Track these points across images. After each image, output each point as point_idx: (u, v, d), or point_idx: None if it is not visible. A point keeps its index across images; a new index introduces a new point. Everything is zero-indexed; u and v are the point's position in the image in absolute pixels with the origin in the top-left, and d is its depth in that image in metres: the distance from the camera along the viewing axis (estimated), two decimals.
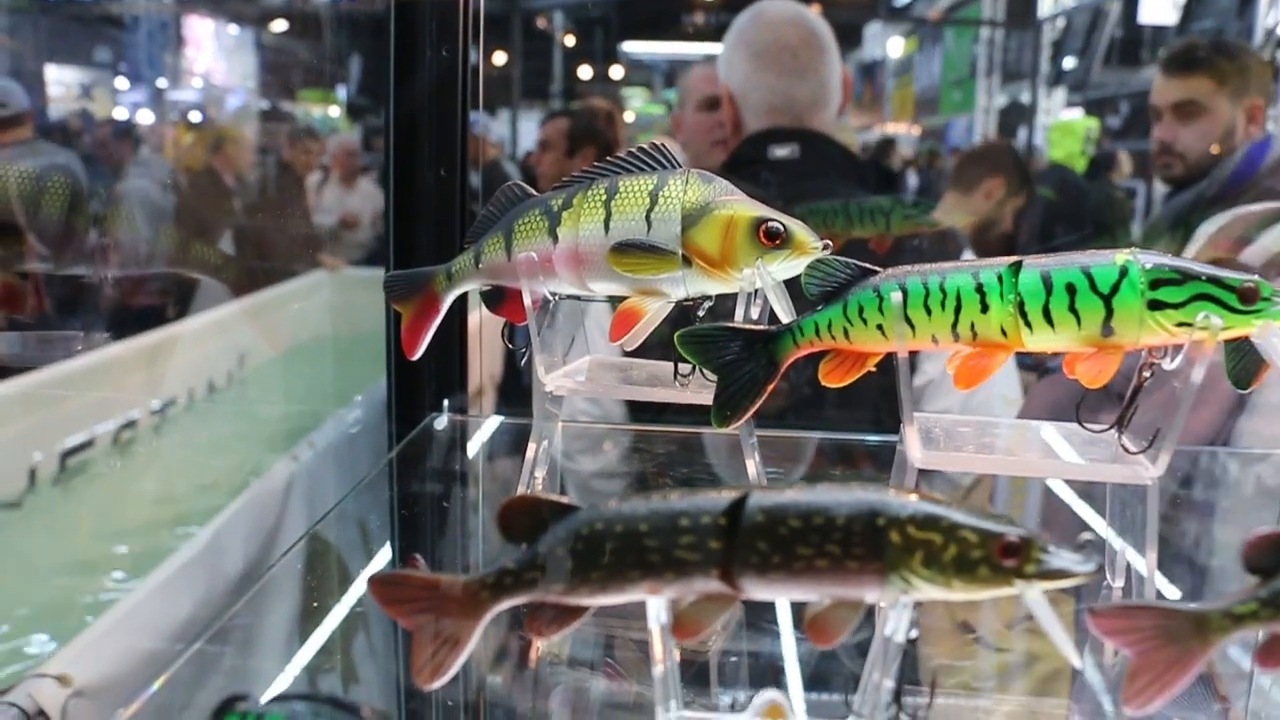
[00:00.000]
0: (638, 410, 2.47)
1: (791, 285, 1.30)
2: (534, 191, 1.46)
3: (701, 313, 1.38)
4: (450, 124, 2.12)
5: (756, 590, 0.89)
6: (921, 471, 1.24)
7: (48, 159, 1.91)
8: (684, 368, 1.45)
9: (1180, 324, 1.13)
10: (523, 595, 0.92)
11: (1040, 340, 1.16)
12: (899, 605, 0.91)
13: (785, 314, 1.27)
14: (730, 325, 1.25)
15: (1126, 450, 1.23)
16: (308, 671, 1.33)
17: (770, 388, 1.23)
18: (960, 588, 0.87)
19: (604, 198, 1.36)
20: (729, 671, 1.33)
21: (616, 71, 13.97)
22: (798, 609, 1.00)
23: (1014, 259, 1.17)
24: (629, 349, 1.40)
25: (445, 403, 2.18)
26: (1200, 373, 1.13)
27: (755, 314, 1.35)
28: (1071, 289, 1.14)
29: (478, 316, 2.21)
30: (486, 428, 2.20)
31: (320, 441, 3.25)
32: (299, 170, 6.18)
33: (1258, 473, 2.13)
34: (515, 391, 3.45)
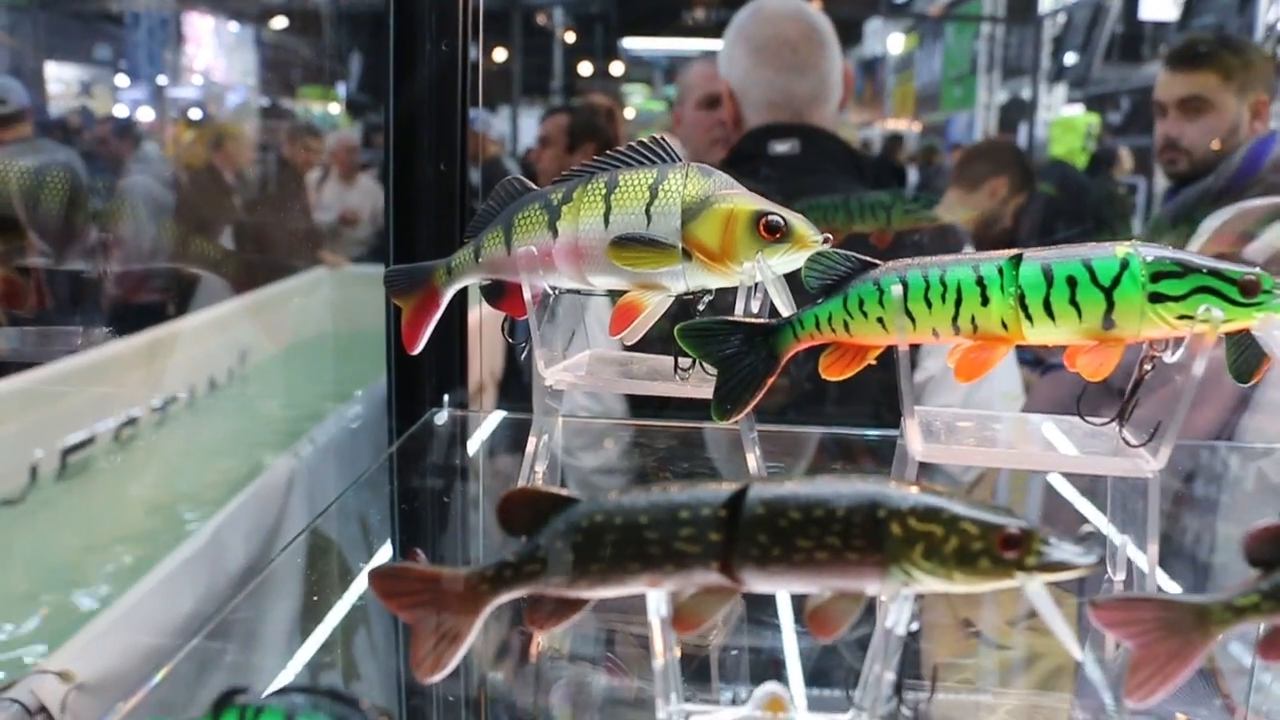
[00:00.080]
0: (639, 405, 2.47)
1: (792, 279, 1.30)
2: (533, 186, 1.46)
3: (701, 307, 1.38)
4: (450, 119, 2.12)
5: (757, 583, 0.89)
6: (923, 467, 1.24)
7: (48, 156, 1.90)
8: (684, 362, 1.44)
9: (1181, 317, 1.13)
10: (522, 588, 0.92)
11: (1041, 333, 1.16)
12: (900, 598, 0.91)
13: (785, 307, 1.27)
14: (730, 319, 1.25)
15: (1127, 443, 1.23)
16: (308, 666, 1.34)
17: (770, 381, 1.23)
18: (961, 580, 0.87)
19: (604, 192, 1.35)
20: (730, 666, 1.33)
21: (617, 68, 13.96)
22: (798, 602, 1.00)
23: (1014, 251, 1.16)
24: (629, 343, 1.40)
25: (445, 398, 2.17)
26: (1201, 365, 1.13)
27: (756, 308, 1.35)
28: (1072, 282, 1.13)
29: (478, 313, 2.21)
30: (488, 424, 2.20)
31: (321, 438, 3.26)
32: (299, 167, 6.18)
33: (1260, 468, 2.12)
34: (516, 388, 3.46)
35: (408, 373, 2.14)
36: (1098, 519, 1.36)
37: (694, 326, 1.24)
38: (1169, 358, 1.18)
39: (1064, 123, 9.41)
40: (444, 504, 1.90)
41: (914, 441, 1.22)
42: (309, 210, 6.15)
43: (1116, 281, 1.13)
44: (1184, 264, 1.13)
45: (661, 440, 2.09)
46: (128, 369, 3.09)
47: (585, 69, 13.91)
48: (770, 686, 0.91)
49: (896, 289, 1.17)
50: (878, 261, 1.21)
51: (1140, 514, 1.22)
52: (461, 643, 0.92)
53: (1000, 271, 1.15)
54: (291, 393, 4.30)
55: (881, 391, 1.59)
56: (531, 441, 1.48)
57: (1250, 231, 2.37)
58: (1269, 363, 1.21)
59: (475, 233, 1.48)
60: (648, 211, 1.33)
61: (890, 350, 1.21)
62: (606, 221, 1.34)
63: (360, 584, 1.53)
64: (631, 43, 14.22)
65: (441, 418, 2.16)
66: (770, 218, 1.28)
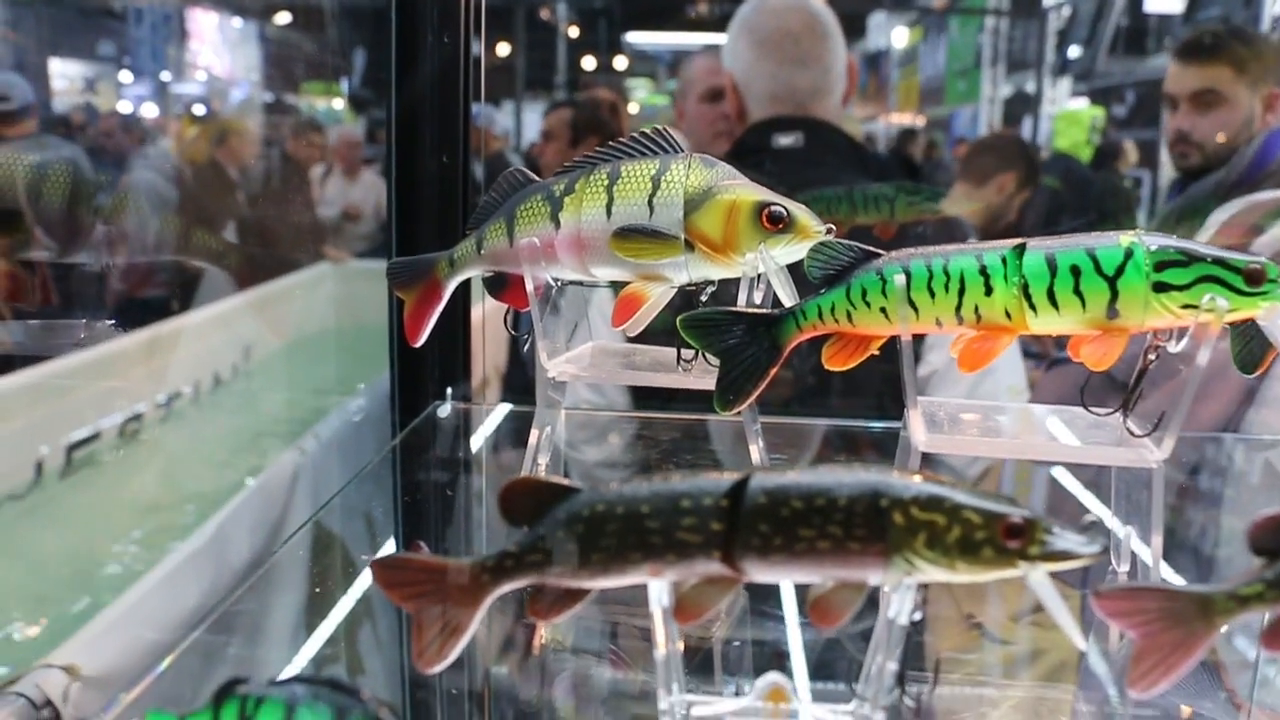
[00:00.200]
0: (642, 398, 2.47)
1: (795, 270, 1.29)
2: (536, 177, 1.46)
3: (704, 298, 1.37)
4: (452, 112, 2.12)
5: (758, 572, 0.88)
6: (927, 460, 1.24)
7: (53, 153, 1.90)
8: (687, 353, 1.44)
9: (1186, 306, 1.12)
10: (524, 578, 0.92)
11: (1044, 323, 1.15)
12: (902, 587, 0.90)
13: (788, 298, 1.27)
14: (733, 309, 1.25)
15: (1131, 434, 1.22)
16: (311, 658, 1.34)
17: (773, 372, 1.23)
18: (964, 569, 0.86)
19: (606, 183, 1.35)
20: (733, 658, 1.33)
21: (620, 62, 13.94)
22: (802, 594, 0.99)
23: (1018, 241, 1.16)
24: (631, 334, 1.40)
25: (449, 391, 2.17)
26: (1206, 355, 1.13)
27: (758, 299, 1.35)
28: (1076, 271, 1.13)
29: (482, 308, 2.21)
30: (493, 417, 2.19)
31: (325, 433, 3.26)
32: (302, 163, 6.18)
33: (1267, 459, 2.12)
34: (520, 383, 3.45)
35: (411, 366, 2.14)
36: (1102, 511, 1.36)
37: (696, 317, 1.24)
38: (1173, 347, 1.18)
39: (1068, 116, 9.37)
40: (447, 496, 1.90)
41: (917, 432, 1.22)
42: (312, 205, 6.16)
43: (1120, 271, 1.12)
44: (1188, 253, 1.12)
45: (665, 433, 2.09)
46: (133, 365, 3.09)
47: (589, 64, 13.89)
48: (771, 677, 0.90)
49: (899, 278, 1.17)
50: (880, 251, 1.21)
51: (1144, 505, 1.22)
52: (463, 633, 0.92)
53: (1004, 261, 1.15)
54: (296, 388, 4.30)
55: (885, 383, 1.58)
56: (534, 434, 1.47)
57: (1259, 224, 2.36)
58: (1274, 354, 1.20)
59: (478, 224, 1.48)
60: (650, 203, 1.32)
61: (894, 342, 1.21)
62: (609, 213, 1.34)
63: (363, 576, 1.53)
64: (635, 37, 14.20)
65: (445, 410, 2.16)
66: (773, 208, 1.28)
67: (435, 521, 1.82)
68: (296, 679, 0.81)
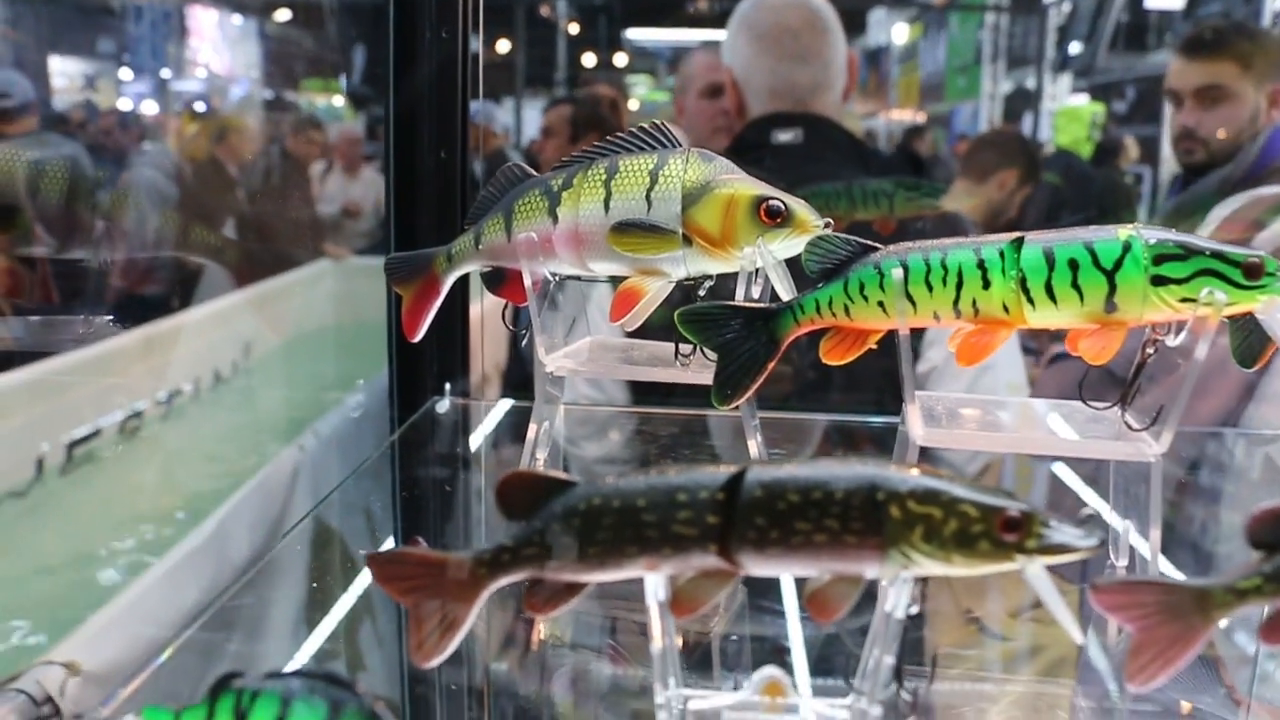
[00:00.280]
0: (642, 393, 2.47)
1: (794, 265, 1.29)
2: (534, 172, 1.46)
3: (702, 292, 1.37)
4: (450, 107, 2.12)
5: (755, 566, 0.88)
6: (926, 456, 1.24)
7: (53, 150, 1.90)
8: (685, 348, 1.44)
9: (1184, 300, 1.12)
10: (520, 572, 0.92)
11: (1043, 317, 1.15)
12: (899, 581, 0.90)
13: (786, 293, 1.27)
14: (730, 303, 1.25)
15: (1130, 427, 1.22)
16: (310, 653, 1.34)
17: (771, 366, 1.22)
18: (961, 563, 0.86)
19: (604, 177, 1.35)
20: (734, 654, 1.33)
21: (621, 59, 13.93)
22: (802, 589, 0.99)
23: (1016, 234, 1.16)
24: (629, 329, 1.40)
25: (447, 387, 2.17)
26: (1204, 348, 1.12)
27: (757, 293, 1.35)
28: (1074, 264, 1.13)
29: (480, 306, 2.21)
30: (495, 412, 2.19)
31: (325, 430, 3.26)
32: (302, 160, 6.18)
33: (1267, 454, 2.11)
34: (520, 379, 3.45)
35: (409, 362, 2.14)
36: (1101, 506, 1.36)
37: (694, 311, 1.23)
38: (1171, 341, 1.18)
39: (1069, 112, 9.36)
40: (445, 491, 1.90)
41: (915, 426, 1.21)
42: (312, 202, 6.15)
43: (1119, 264, 1.12)
44: (1187, 246, 1.12)
45: (665, 428, 2.09)
46: (133, 362, 3.09)
47: (589, 60, 13.88)
48: (768, 670, 0.90)
49: (897, 272, 1.16)
50: (878, 245, 1.20)
51: (1143, 499, 1.21)
52: (460, 627, 0.91)
53: (1002, 255, 1.15)
54: (296, 385, 4.30)
55: (884, 379, 1.58)
56: (532, 429, 1.47)
57: (1261, 220, 2.35)
58: (1274, 348, 1.20)
59: (476, 219, 1.48)
60: (648, 197, 1.32)
61: (893, 338, 1.21)
62: (607, 207, 1.34)
63: (362, 572, 1.53)
64: (635, 34, 14.19)
65: (443, 406, 2.16)
66: (771, 202, 1.28)
67: (434, 516, 1.82)
68: (292, 673, 0.81)
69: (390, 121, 2.12)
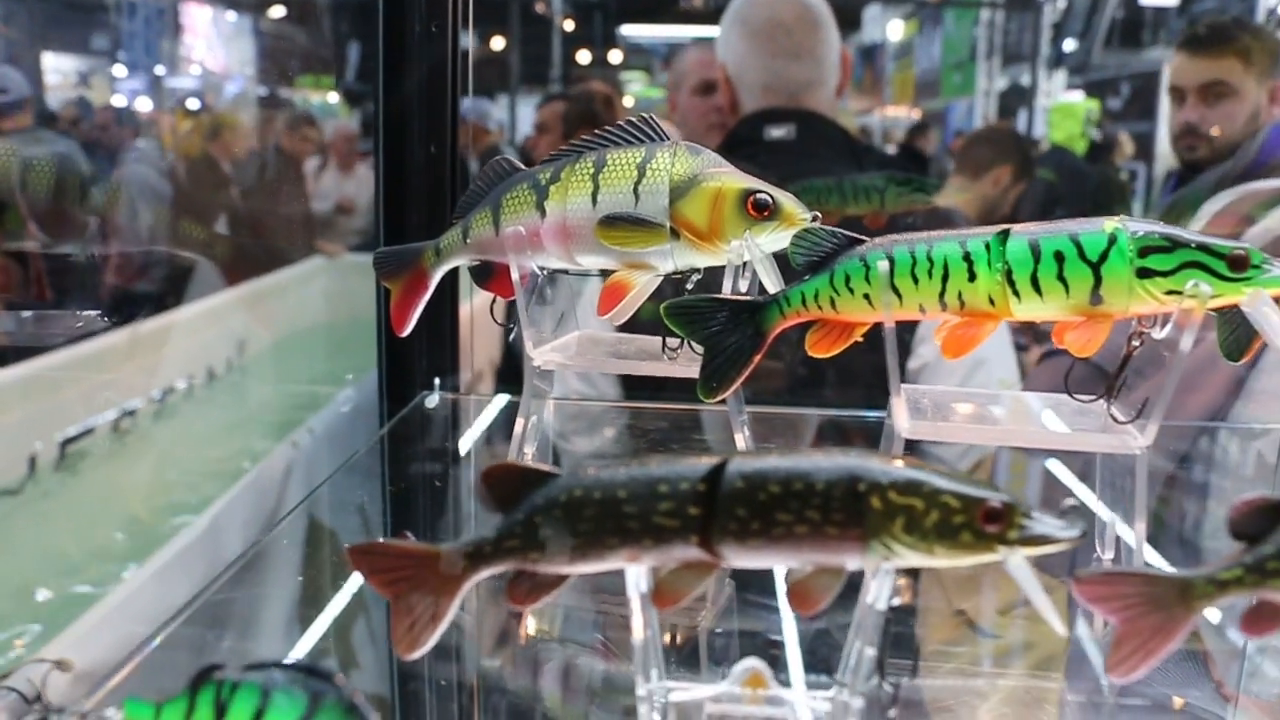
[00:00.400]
0: (633, 388, 2.47)
1: (784, 259, 1.29)
2: (522, 166, 1.45)
3: (690, 286, 1.37)
4: (440, 102, 2.12)
5: (736, 557, 0.88)
6: (920, 452, 1.24)
7: (48, 147, 1.90)
8: (672, 341, 1.44)
9: (1169, 292, 1.12)
10: (502, 564, 0.91)
11: (1028, 309, 1.15)
12: (881, 572, 0.90)
13: (774, 286, 1.27)
14: (716, 296, 1.25)
15: (1115, 420, 1.22)
16: (298, 645, 1.34)
17: (757, 359, 1.22)
18: (943, 554, 0.86)
19: (591, 171, 1.35)
20: (724, 648, 1.33)
21: (616, 56, 13.93)
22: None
23: (1001, 227, 1.16)
24: (617, 323, 1.39)
25: (436, 381, 2.17)
26: (1189, 341, 1.12)
27: (744, 286, 1.34)
28: (1060, 257, 1.13)
29: (470, 304, 2.21)
30: (489, 407, 2.19)
31: (319, 426, 3.26)
32: (296, 156, 6.16)
33: (1257, 449, 2.11)
34: (513, 375, 3.45)
35: (399, 358, 2.14)
36: (1093, 501, 1.35)
37: (680, 304, 1.23)
38: (1157, 334, 1.18)
39: (1063, 109, 9.36)
40: (433, 485, 1.90)
41: (900, 419, 1.21)
42: (307, 200, 6.14)
43: (1104, 256, 1.12)
44: (1172, 239, 1.12)
45: (655, 422, 2.09)
46: (127, 359, 3.09)
47: (584, 57, 13.87)
48: (750, 662, 0.90)
49: (883, 265, 1.16)
50: (864, 238, 1.20)
51: (1129, 492, 1.21)
52: (442, 619, 0.91)
53: (987, 247, 1.15)
54: (290, 382, 4.30)
55: (876, 374, 1.58)
56: (519, 422, 1.47)
57: (1252, 214, 2.35)
58: (1260, 341, 1.20)
59: (464, 213, 1.48)
60: (636, 190, 1.32)
61: (884, 332, 1.21)
62: (594, 201, 1.34)
63: (348, 566, 1.53)
64: (630, 30, 14.19)
65: (433, 400, 2.15)
66: (758, 195, 1.28)
67: (422, 511, 1.82)
68: (272, 665, 0.81)
69: (380, 117, 2.12)
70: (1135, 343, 1.20)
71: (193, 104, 5.90)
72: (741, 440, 1.41)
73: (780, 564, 0.88)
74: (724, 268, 1.35)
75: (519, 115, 12.20)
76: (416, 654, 0.91)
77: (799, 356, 2.37)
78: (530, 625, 1.42)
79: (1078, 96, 11.16)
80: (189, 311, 3.34)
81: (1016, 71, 13.15)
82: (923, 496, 0.85)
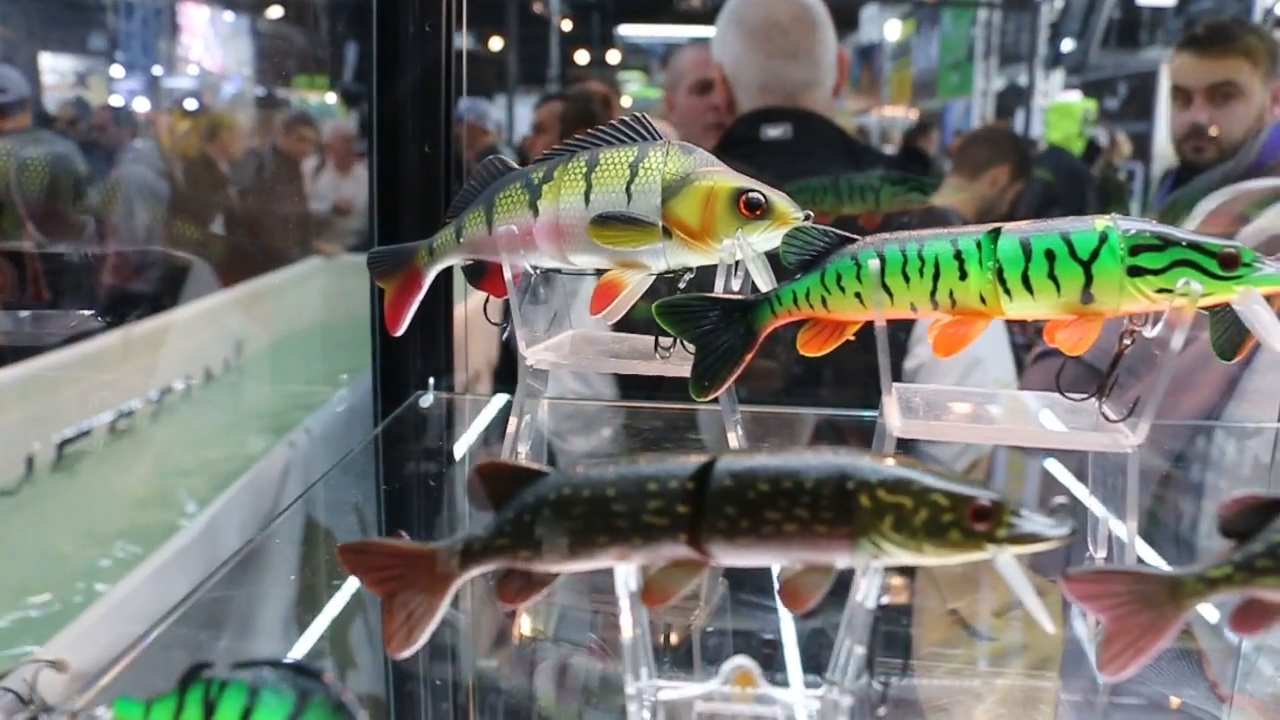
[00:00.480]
0: (629, 387, 2.47)
1: (777, 258, 1.29)
2: (515, 165, 1.45)
3: (683, 285, 1.37)
4: (435, 102, 2.12)
5: (725, 556, 0.88)
6: (915, 450, 1.24)
7: (46, 147, 1.90)
8: (665, 340, 1.44)
9: (1160, 290, 1.12)
10: (491, 562, 0.91)
11: (1019, 308, 1.15)
12: (870, 570, 0.90)
13: (766, 284, 1.27)
14: (708, 295, 1.25)
15: (1107, 419, 1.22)
16: (292, 644, 1.34)
17: (749, 357, 1.22)
18: (932, 552, 0.86)
19: (584, 170, 1.35)
20: (714, 647, 1.33)
21: (613, 56, 13.93)
22: None
23: (992, 226, 1.16)
24: (610, 322, 1.40)
25: (431, 381, 2.17)
26: (1180, 339, 1.12)
27: (737, 285, 1.35)
28: (1051, 255, 1.13)
29: (464, 306, 2.21)
30: (488, 407, 2.19)
31: (316, 427, 3.26)
32: (294, 157, 6.16)
33: (1250, 447, 2.12)
34: (511, 376, 3.45)
35: (395, 357, 2.14)
36: (1091, 501, 1.35)
37: (672, 303, 1.23)
38: (1149, 332, 1.18)
39: (1060, 108, 9.36)
40: (425, 483, 1.90)
41: (892, 418, 1.21)
42: (304, 200, 6.14)
43: (1095, 255, 1.12)
44: (1163, 237, 1.12)
45: (651, 422, 2.09)
46: (125, 360, 3.08)
47: (582, 57, 13.86)
48: (738, 660, 0.90)
49: (874, 263, 1.16)
50: (855, 237, 1.20)
51: (1121, 490, 1.21)
52: (432, 618, 0.91)
53: (978, 246, 1.15)
54: (288, 382, 4.30)
55: (872, 374, 1.58)
56: (512, 422, 1.47)
57: (1246, 213, 2.35)
58: (1253, 340, 1.20)
59: (457, 213, 1.48)
60: (628, 189, 1.32)
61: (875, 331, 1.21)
62: (587, 200, 1.34)
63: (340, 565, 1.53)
64: (628, 30, 14.18)
65: (427, 400, 2.15)
66: (750, 194, 1.28)
67: (416, 509, 1.82)
68: (260, 663, 0.81)
69: (374, 117, 2.12)
70: (1127, 341, 1.20)
71: (190, 104, 5.90)
72: (735, 439, 1.41)
73: (769, 562, 0.88)
74: (716, 267, 1.35)
75: (517, 115, 12.20)
76: (408, 652, 0.91)
77: (795, 356, 2.37)
78: (525, 625, 1.42)
79: (1075, 96, 11.16)
80: (186, 312, 3.34)
81: (1014, 71, 13.17)
82: (911, 494, 0.85)
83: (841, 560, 0.88)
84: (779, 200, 1.28)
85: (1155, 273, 1.12)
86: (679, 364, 1.42)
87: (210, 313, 3.65)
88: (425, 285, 1.53)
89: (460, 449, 2.08)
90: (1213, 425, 2.13)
